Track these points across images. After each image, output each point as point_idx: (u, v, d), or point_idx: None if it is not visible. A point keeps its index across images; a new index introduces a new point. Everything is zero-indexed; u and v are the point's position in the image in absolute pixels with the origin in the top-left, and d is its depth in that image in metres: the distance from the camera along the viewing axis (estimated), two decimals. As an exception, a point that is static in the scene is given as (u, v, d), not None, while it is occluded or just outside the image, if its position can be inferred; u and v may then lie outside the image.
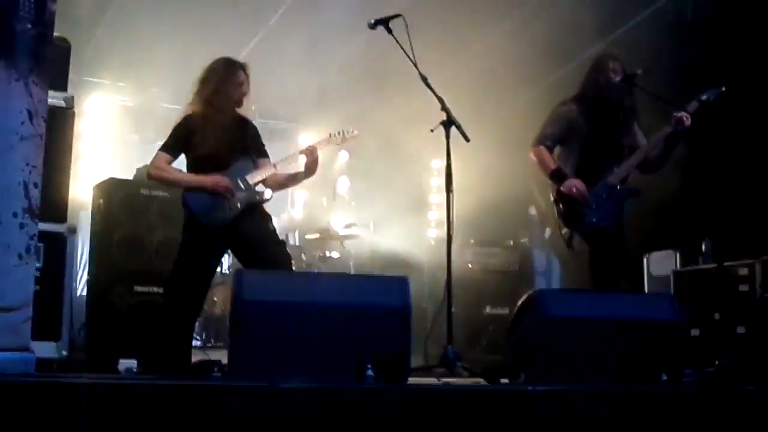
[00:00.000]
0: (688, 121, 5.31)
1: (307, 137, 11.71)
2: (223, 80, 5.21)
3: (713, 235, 6.78)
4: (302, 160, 5.36)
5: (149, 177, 5.27)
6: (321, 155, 5.34)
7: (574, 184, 5.39)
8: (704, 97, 5.39)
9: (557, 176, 5.47)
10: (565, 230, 5.53)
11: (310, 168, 5.33)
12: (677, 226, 7.66)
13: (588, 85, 5.59)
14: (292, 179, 5.49)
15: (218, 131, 5.10)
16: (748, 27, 7.17)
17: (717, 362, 5.35)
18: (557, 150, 5.63)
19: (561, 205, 5.49)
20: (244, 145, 5.27)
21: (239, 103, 5.28)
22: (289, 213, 10.24)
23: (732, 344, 6.31)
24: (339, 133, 5.50)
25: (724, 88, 5.40)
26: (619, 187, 5.47)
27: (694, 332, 6.81)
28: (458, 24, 8.76)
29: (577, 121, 5.53)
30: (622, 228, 5.51)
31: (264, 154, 5.38)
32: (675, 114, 5.34)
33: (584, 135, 5.50)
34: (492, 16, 8.98)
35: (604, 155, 5.51)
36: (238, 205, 5.10)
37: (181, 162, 5.27)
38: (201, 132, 5.09)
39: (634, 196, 5.52)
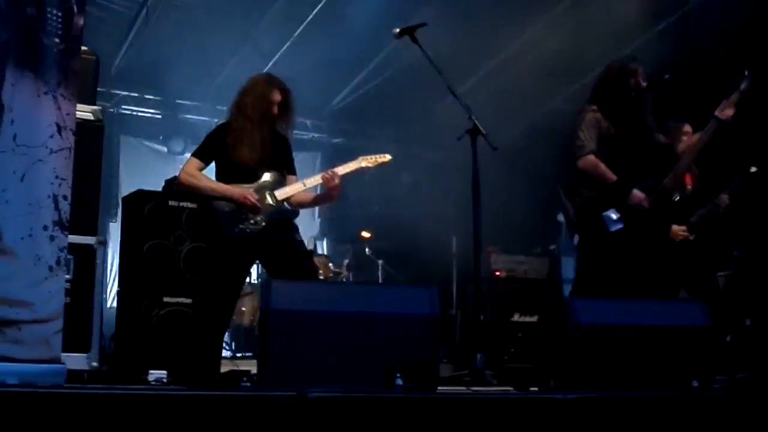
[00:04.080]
0: (731, 113, 5.33)
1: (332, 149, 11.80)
2: (259, 95, 5.24)
3: (743, 242, 6.70)
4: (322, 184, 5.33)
5: (179, 182, 5.29)
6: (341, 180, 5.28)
7: (642, 198, 5.35)
8: (742, 86, 5.35)
9: (620, 187, 5.40)
10: (577, 236, 5.49)
11: (331, 195, 5.32)
12: (707, 233, 7.59)
13: (613, 89, 5.51)
14: (317, 201, 5.62)
15: (251, 143, 5.13)
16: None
17: (748, 368, 5.28)
18: None
19: (590, 212, 5.44)
20: (276, 160, 5.28)
21: (273, 120, 5.29)
22: (315, 222, 10.27)
23: (763, 350, 6.24)
24: (370, 158, 5.49)
25: (748, 72, 5.38)
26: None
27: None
28: (484, 31, 8.78)
29: (605, 126, 5.46)
30: (652, 238, 5.45)
31: (293, 171, 5.41)
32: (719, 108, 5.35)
33: (613, 139, 5.44)
34: (516, 24, 8.99)
35: (632, 160, 5.46)
36: (264, 219, 5.12)
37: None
38: (234, 142, 5.14)
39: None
